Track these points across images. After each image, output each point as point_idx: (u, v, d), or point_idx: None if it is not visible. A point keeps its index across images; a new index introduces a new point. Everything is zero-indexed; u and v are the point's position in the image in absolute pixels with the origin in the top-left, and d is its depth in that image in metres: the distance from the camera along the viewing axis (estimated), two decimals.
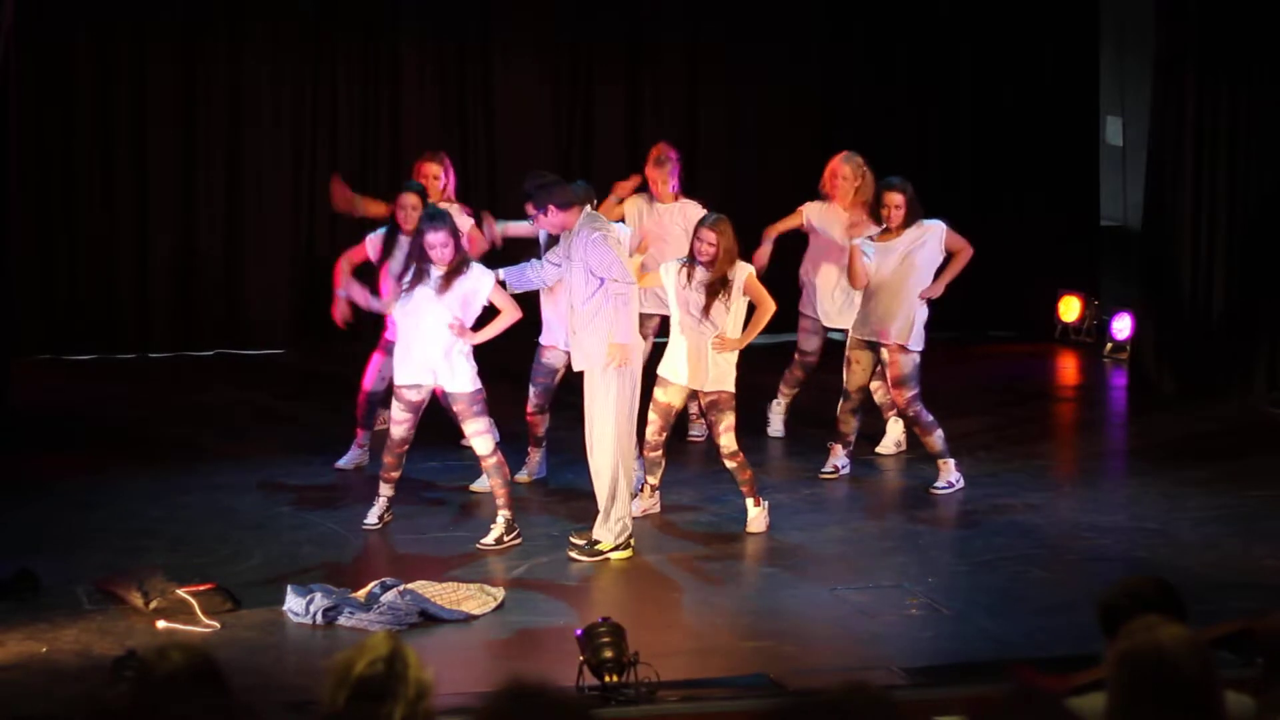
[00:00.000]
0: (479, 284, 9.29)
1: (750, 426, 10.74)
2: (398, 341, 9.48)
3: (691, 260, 9.63)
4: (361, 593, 8.39)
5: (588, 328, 9.18)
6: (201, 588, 8.37)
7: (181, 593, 8.29)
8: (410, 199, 10.33)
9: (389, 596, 8.29)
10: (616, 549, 9.18)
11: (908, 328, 10.40)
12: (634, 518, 9.80)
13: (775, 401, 11.61)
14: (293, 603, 8.29)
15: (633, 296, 9.23)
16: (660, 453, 9.91)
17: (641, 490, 10.01)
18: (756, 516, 9.76)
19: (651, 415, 9.79)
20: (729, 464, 9.73)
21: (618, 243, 9.31)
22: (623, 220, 11.01)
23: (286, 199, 14.23)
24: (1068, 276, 14.94)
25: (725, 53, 14.88)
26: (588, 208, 9.41)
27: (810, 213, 11.19)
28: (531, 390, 10.43)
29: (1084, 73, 15.04)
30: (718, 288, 9.56)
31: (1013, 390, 13.42)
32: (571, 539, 9.26)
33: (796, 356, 11.42)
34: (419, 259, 9.26)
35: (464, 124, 14.51)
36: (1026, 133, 15.06)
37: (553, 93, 14.68)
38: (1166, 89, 13.09)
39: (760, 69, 14.89)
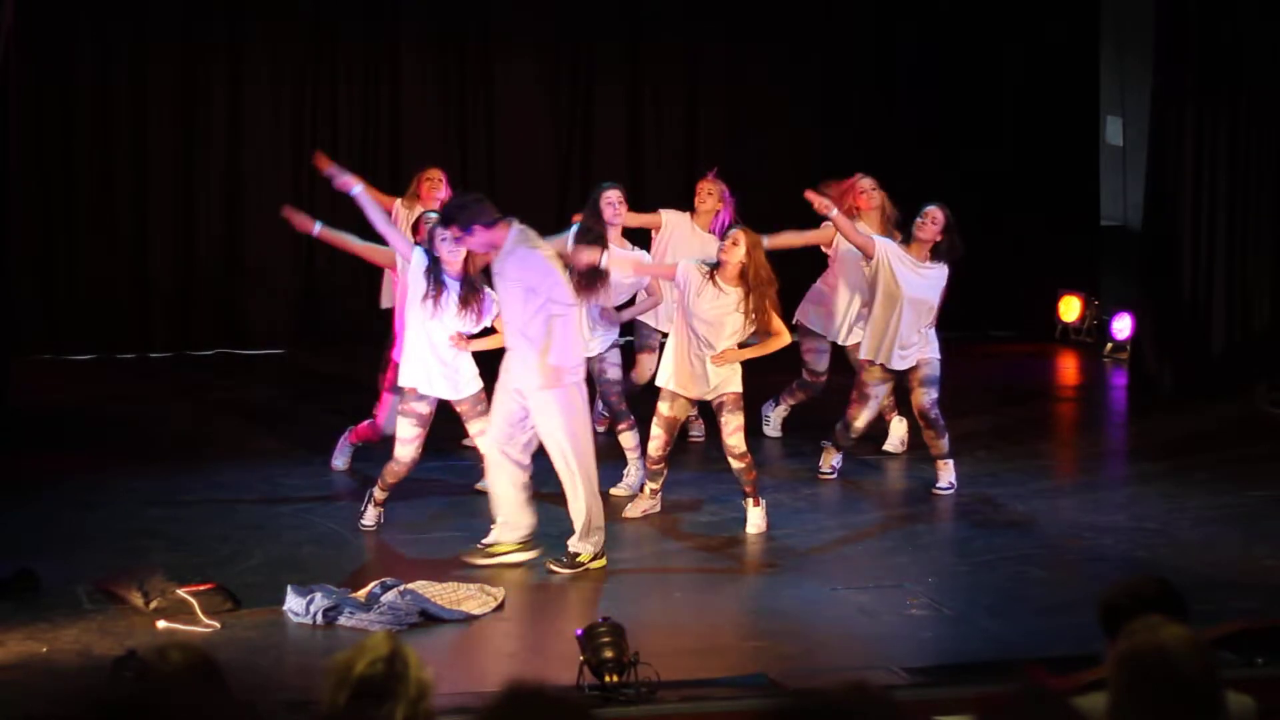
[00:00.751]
0: (486, 308, 9.30)
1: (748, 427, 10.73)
2: (406, 344, 9.45)
3: (717, 266, 9.58)
4: (361, 593, 8.38)
5: (530, 346, 8.89)
6: (201, 588, 8.36)
7: (181, 593, 8.29)
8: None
9: (389, 596, 8.28)
10: (596, 558, 9.13)
11: (935, 341, 10.42)
12: (633, 518, 9.81)
13: (779, 407, 11.58)
14: (293, 603, 8.29)
15: (573, 318, 8.96)
16: (663, 465, 9.90)
17: (641, 491, 10.02)
18: (756, 517, 9.76)
19: (656, 430, 9.76)
20: (737, 464, 9.71)
21: (556, 260, 8.99)
22: (657, 229, 11.00)
23: (286, 199, 14.20)
24: (1068, 276, 14.95)
25: (725, 53, 14.88)
26: (516, 223, 9.09)
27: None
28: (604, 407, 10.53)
29: (1084, 73, 15.04)
30: (749, 302, 9.46)
31: (1013, 390, 13.43)
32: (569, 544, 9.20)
33: (808, 377, 11.30)
34: (437, 272, 9.21)
35: (464, 124, 14.52)
36: (1026, 133, 15.06)
37: (553, 93, 14.68)
38: (1166, 89, 13.10)
39: (760, 69, 14.89)
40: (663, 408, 9.74)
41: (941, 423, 10.45)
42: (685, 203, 11.26)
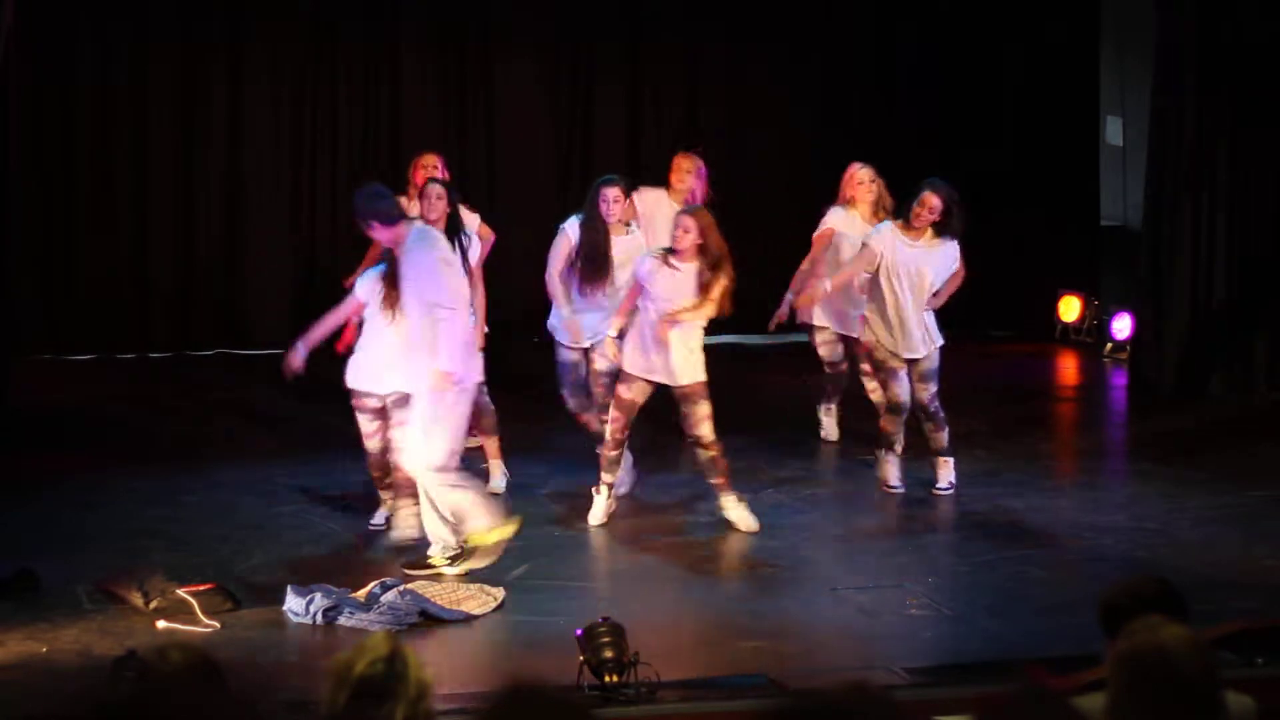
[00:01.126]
0: None
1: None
2: (360, 348, 9.42)
3: (670, 251, 9.50)
4: (361, 593, 8.39)
5: (418, 349, 8.84)
6: (201, 588, 8.36)
7: (181, 593, 8.29)
8: (436, 189, 10.32)
9: (389, 596, 8.29)
10: (488, 532, 8.84)
11: (935, 328, 10.35)
12: (599, 525, 9.67)
13: (829, 413, 11.51)
14: (293, 603, 8.29)
15: (457, 322, 8.81)
16: (618, 452, 9.72)
17: (596, 489, 9.76)
18: (742, 512, 9.66)
19: (614, 412, 9.63)
20: (706, 454, 9.58)
21: (447, 264, 8.89)
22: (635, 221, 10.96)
23: (286, 198, 14.24)
24: (1068, 276, 14.95)
25: (725, 53, 14.89)
26: (417, 223, 9.03)
27: (836, 223, 11.02)
28: (566, 394, 10.40)
29: (1084, 73, 15.04)
30: (708, 277, 9.37)
31: (1013, 390, 13.42)
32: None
33: (829, 370, 11.29)
34: (394, 272, 9.19)
35: (464, 124, 14.52)
36: (1026, 133, 15.06)
37: (553, 93, 14.69)
38: (1166, 89, 13.09)
39: (760, 69, 14.89)
40: (623, 390, 9.62)
41: (942, 415, 10.38)
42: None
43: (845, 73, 15.00)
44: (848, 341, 11.16)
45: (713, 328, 14.60)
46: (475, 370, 9.18)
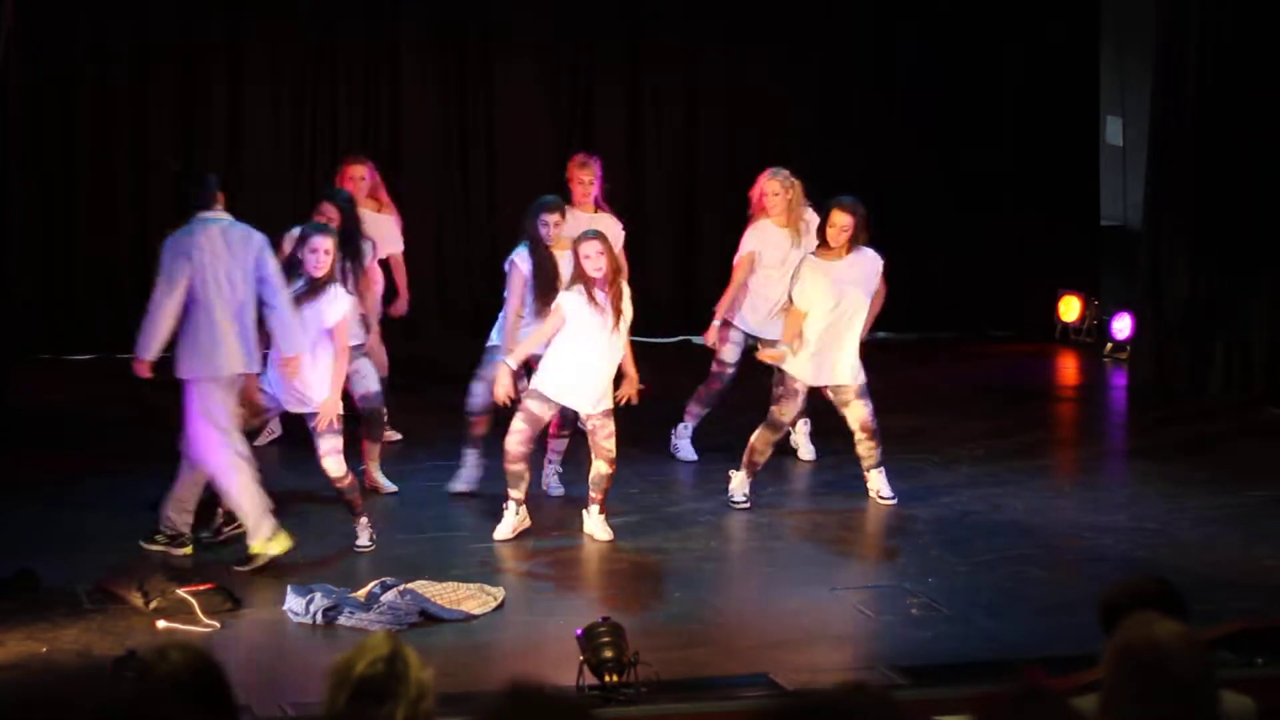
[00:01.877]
0: (330, 308, 9.25)
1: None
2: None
3: (585, 279, 9.32)
4: (361, 593, 8.40)
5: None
6: (201, 588, 8.37)
7: (181, 593, 8.30)
8: (330, 210, 10.25)
9: (389, 596, 8.29)
10: (270, 542, 8.90)
11: (859, 364, 10.04)
12: (505, 539, 9.45)
13: (683, 425, 11.02)
14: (293, 603, 8.30)
15: (195, 320, 8.99)
16: (523, 465, 9.41)
17: (506, 507, 9.52)
18: (600, 524, 9.52)
19: (518, 424, 9.36)
20: (607, 469, 9.41)
21: (178, 259, 9.06)
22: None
23: (286, 198, 14.22)
24: (1068, 276, 14.95)
25: (725, 53, 14.88)
26: (201, 216, 9.10)
27: (753, 243, 10.76)
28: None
29: (1084, 73, 15.05)
30: (619, 301, 9.31)
31: (1013, 390, 13.42)
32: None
33: (715, 369, 10.90)
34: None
35: (464, 124, 14.52)
36: (1026, 133, 15.07)
37: (553, 93, 14.68)
38: (1167, 88, 13.09)
39: (760, 69, 14.89)
40: (531, 405, 9.40)
41: (879, 431, 10.15)
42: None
43: (845, 73, 14.99)
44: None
45: (705, 328, 14.54)
46: (227, 367, 9.18)
